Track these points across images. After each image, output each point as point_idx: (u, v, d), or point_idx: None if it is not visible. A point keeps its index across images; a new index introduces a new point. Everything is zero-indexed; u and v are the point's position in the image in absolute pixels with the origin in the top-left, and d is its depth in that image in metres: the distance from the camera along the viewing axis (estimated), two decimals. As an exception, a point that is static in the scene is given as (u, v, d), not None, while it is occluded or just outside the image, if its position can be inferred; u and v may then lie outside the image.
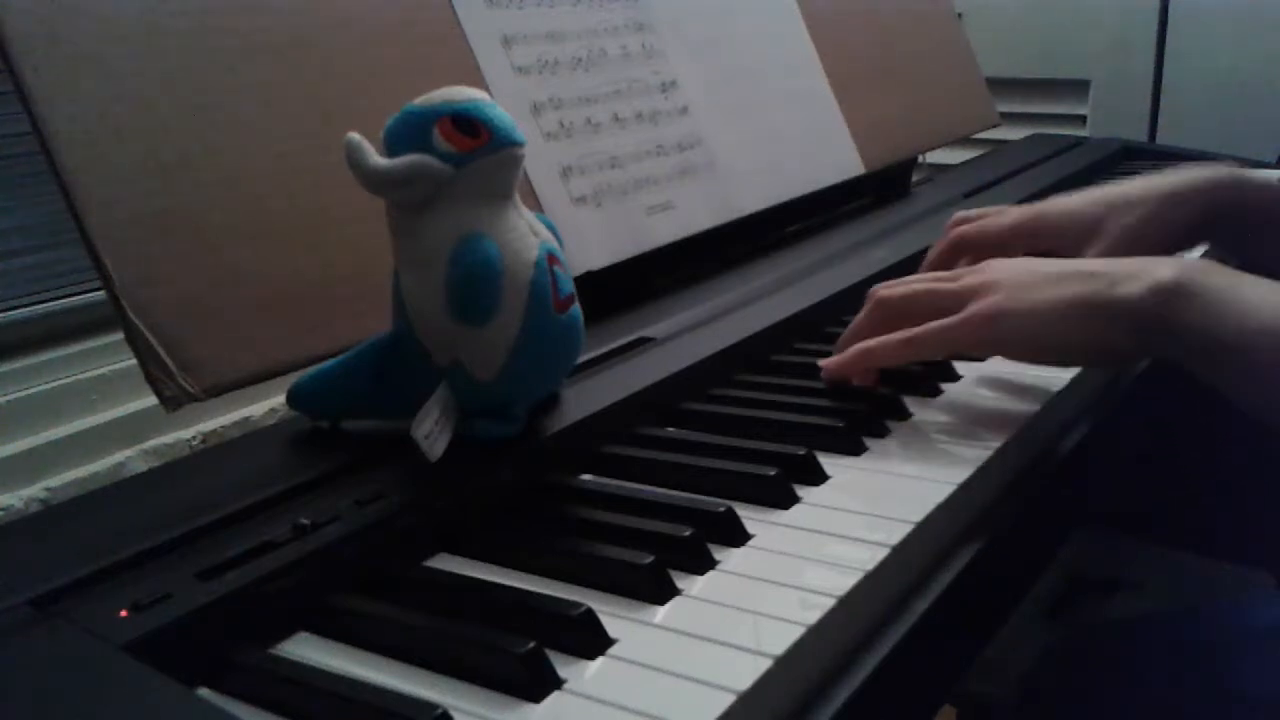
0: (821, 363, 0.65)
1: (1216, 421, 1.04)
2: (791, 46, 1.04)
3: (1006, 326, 0.60)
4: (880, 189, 1.12)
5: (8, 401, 1.18)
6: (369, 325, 0.58)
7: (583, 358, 0.61)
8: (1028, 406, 0.62)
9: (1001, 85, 1.40)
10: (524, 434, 0.55)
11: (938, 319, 0.61)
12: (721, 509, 0.49)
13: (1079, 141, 1.41)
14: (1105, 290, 0.58)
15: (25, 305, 1.20)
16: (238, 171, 0.60)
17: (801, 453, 0.55)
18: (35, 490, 1.16)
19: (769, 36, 1.02)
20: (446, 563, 0.48)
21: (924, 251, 0.91)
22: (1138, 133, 1.64)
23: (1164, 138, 1.63)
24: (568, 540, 0.49)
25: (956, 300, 0.62)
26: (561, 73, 0.80)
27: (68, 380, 1.23)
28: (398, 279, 0.54)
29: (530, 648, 0.39)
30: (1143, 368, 0.75)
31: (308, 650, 0.43)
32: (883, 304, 0.65)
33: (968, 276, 0.63)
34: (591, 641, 0.41)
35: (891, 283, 0.66)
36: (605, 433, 0.58)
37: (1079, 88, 1.73)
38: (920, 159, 1.28)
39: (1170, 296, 0.57)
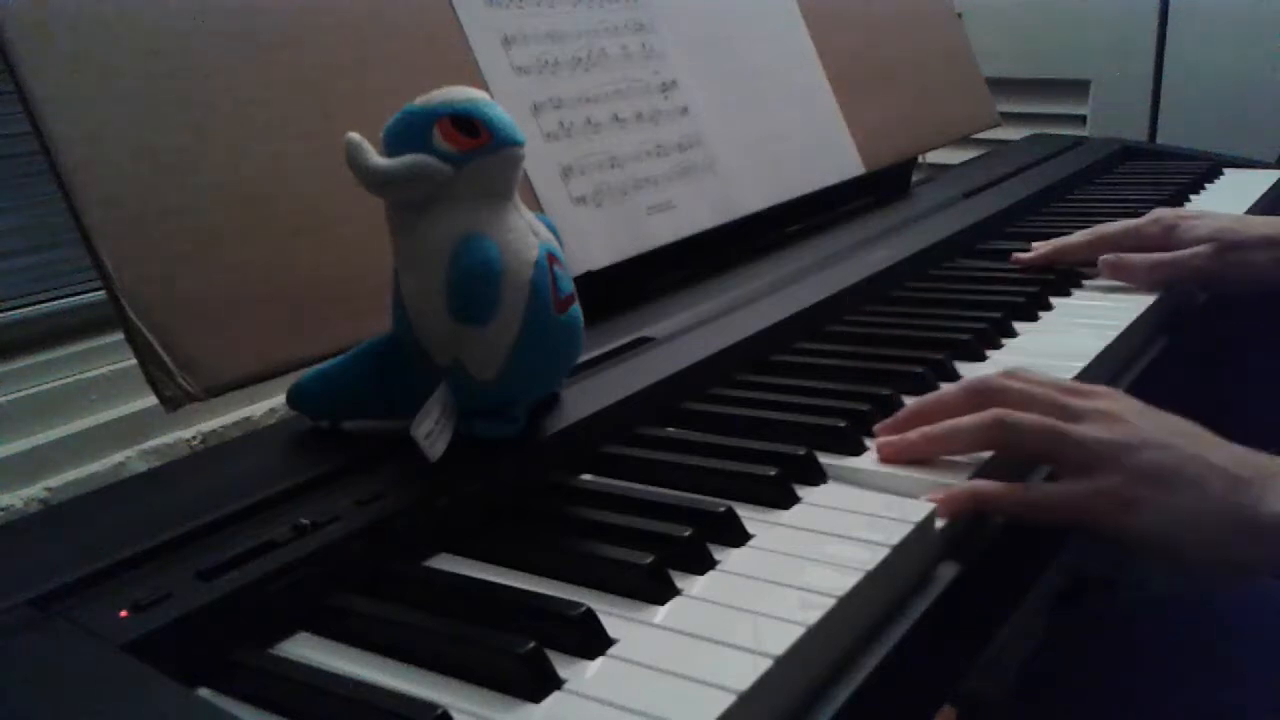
0: (884, 442, 0.57)
1: (1217, 421, 1.04)
2: (791, 46, 1.04)
3: (1138, 524, 0.53)
4: (880, 189, 1.12)
5: (8, 401, 1.18)
6: (369, 325, 0.58)
7: (583, 358, 0.61)
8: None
9: (1001, 85, 1.40)
10: (524, 434, 0.55)
11: (1040, 441, 0.55)
12: (721, 509, 0.49)
13: (1079, 141, 1.41)
14: (1253, 505, 0.52)
15: (25, 305, 1.21)
16: (238, 171, 0.60)
17: (801, 453, 0.55)
18: (35, 490, 1.17)
19: (769, 36, 1.02)
20: (446, 563, 0.48)
21: (925, 251, 0.91)
22: (1138, 133, 1.64)
23: (1164, 138, 1.63)
24: (568, 540, 0.49)
25: (1083, 460, 0.54)
26: (561, 73, 0.80)
27: (68, 380, 1.23)
28: (398, 279, 0.54)
29: (530, 648, 0.39)
30: (1142, 367, 0.75)
31: (308, 650, 0.43)
32: (986, 396, 0.57)
33: (1090, 424, 0.55)
34: (591, 641, 0.41)
35: (1007, 379, 0.59)
36: (605, 433, 0.58)
37: (1079, 88, 1.73)
38: (920, 159, 1.28)
39: None
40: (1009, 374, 0.59)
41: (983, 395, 0.58)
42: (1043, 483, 0.57)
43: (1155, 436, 0.55)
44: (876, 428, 0.59)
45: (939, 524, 0.51)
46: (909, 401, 0.63)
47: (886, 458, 0.56)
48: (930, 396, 0.60)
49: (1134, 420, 0.56)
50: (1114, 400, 0.58)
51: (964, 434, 0.56)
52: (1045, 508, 0.54)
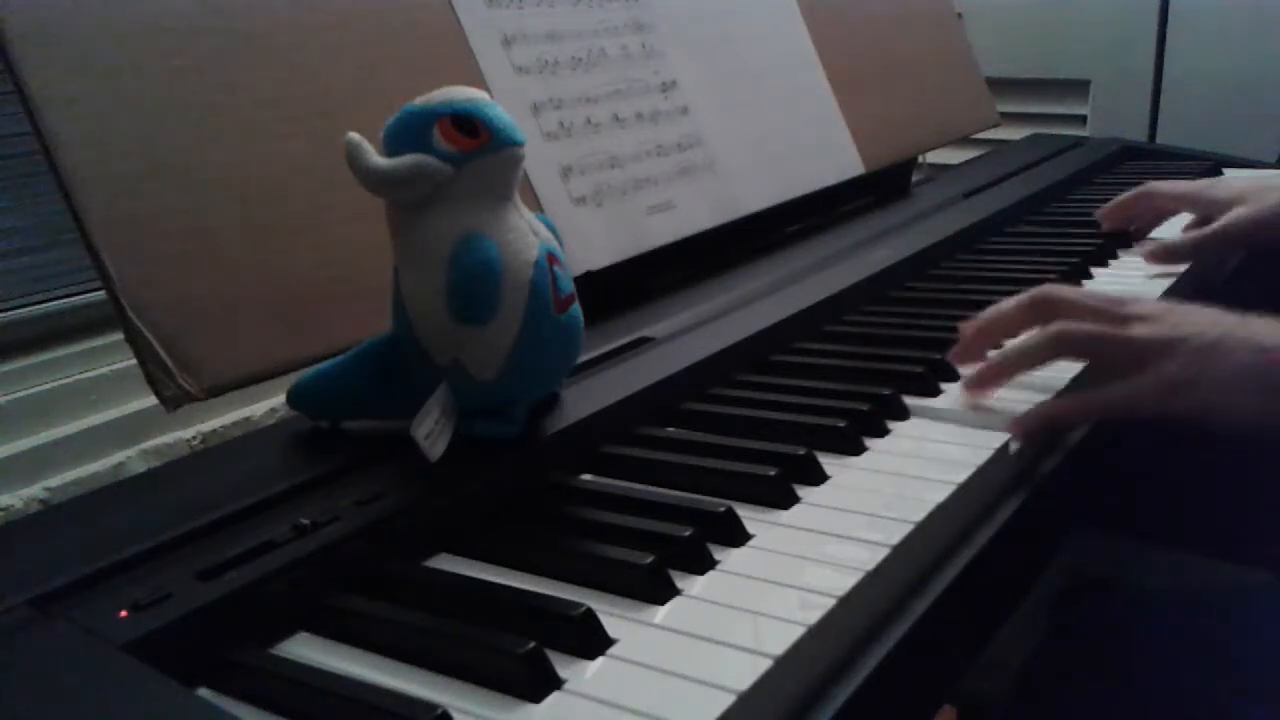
0: (958, 356, 0.66)
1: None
2: (791, 46, 1.04)
3: (1188, 399, 0.59)
4: (880, 189, 1.12)
5: (8, 401, 1.18)
6: (369, 325, 0.58)
7: (583, 358, 0.61)
8: (1029, 406, 0.62)
9: (1001, 85, 1.40)
10: (524, 434, 0.55)
11: (1099, 346, 0.62)
12: (721, 509, 0.49)
13: (1079, 141, 1.41)
14: None
15: (25, 305, 1.20)
16: (238, 171, 0.60)
17: (801, 453, 0.55)
18: (35, 490, 1.16)
19: (769, 36, 1.02)
20: (446, 563, 0.48)
21: (925, 251, 0.91)
22: (1138, 133, 1.64)
23: (1164, 138, 1.63)
24: (568, 540, 0.49)
25: (1138, 355, 0.61)
26: (561, 73, 0.80)
27: (68, 380, 1.23)
28: (398, 279, 0.54)
29: (530, 648, 0.39)
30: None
31: (308, 650, 0.43)
32: (1047, 307, 0.64)
33: (1139, 326, 0.62)
34: (591, 641, 0.41)
35: (1064, 289, 0.66)
36: (605, 433, 0.58)
37: (1079, 88, 1.73)
38: (920, 159, 1.28)
39: None
40: (1057, 286, 0.66)
41: (1040, 306, 0.65)
42: (1104, 386, 0.62)
43: (1195, 325, 0.62)
44: (950, 356, 0.66)
45: (1013, 448, 0.58)
46: (909, 401, 0.63)
47: (973, 394, 0.63)
48: (989, 311, 0.66)
49: (1174, 316, 0.63)
50: (1153, 304, 0.65)
51: (1032, 354, 0.63)
52: (1113, 405, 0.61)
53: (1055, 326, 0.63)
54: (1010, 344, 0.64)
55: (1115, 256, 0.94)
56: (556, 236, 0.55)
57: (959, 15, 1.34)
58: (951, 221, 1.00)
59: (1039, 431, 0.60)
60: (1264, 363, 0.59)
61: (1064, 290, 0.66)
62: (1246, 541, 1.05)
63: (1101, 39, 1.69)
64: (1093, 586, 0.99)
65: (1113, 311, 0.64)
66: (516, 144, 0.53)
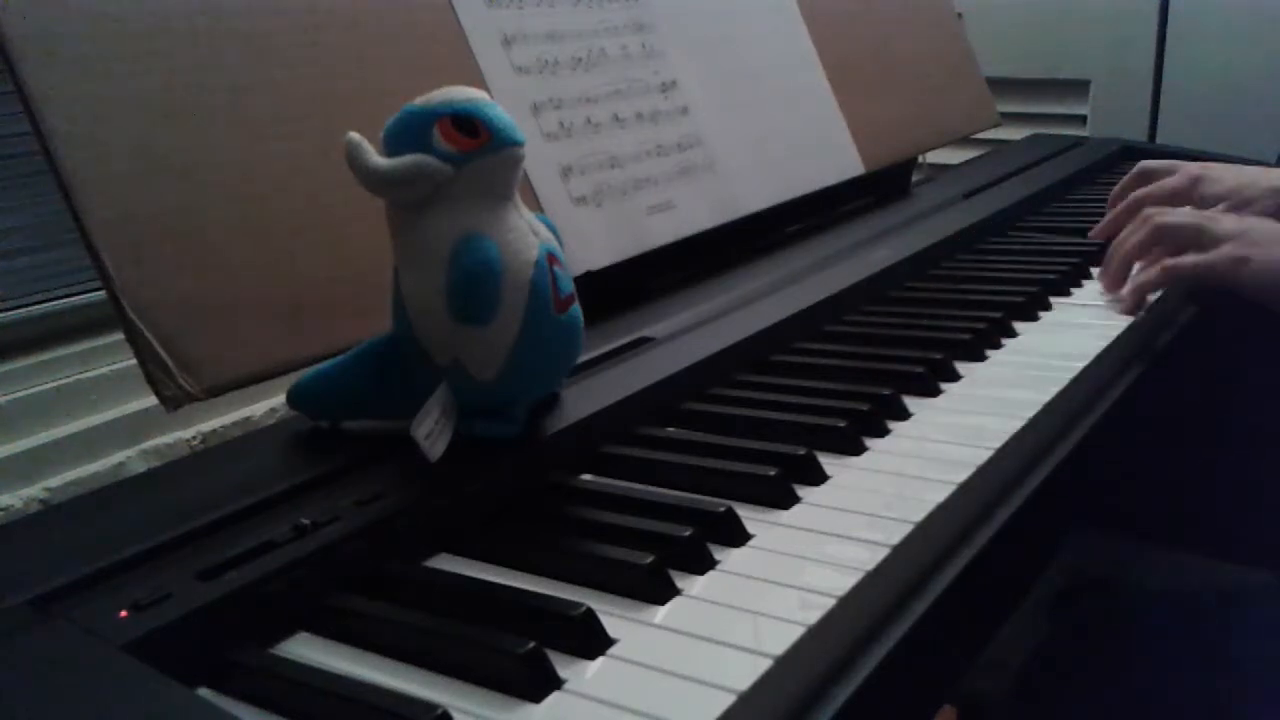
0: (1104, 282, 0.83)
1: (1217, 421, 1.04)
2: (791, 46, 1.04)
3: (1248, 272, 0.76)
4: (880, 189, 1.12)
5: (8, 401, 1.18)
6: (369, 325, 0.58)
7: (583, 358, 0.61)
8: (1027, 406, 0.62)
9: (1001, 85, 1.40)
10: (524, 434, 0.55)
11: (1194, 251, 0.78)
12: (721, 509, 0.49)
13: (1079, 141, 1.41)
14: None
15: (25, 305, 1.21)
16: (238, 171, 0.60)
17: (801, 453, 0.55)
18: (35, 490, 1.17)
19: (769, 36, 1.02)
20: (446, 563, 0.48)
21: (925, 251, 0.91)
22: (1138, 133, 1.64)
23: (1164, 138, 1.63)
24: (568, 540, 0.49)
25: (1215, 240, 0.78)
26: (561, 73, 0.80)
27: (68, 380, 1.23)
28: (398, 279, 0.54)
29: (530, 648, 0.39)
30: (1143, 367, 0.75)
31: (308, 650, 0.43)
32: (1159, 230, 0.81)
33: (1227, 222, 0.80)
34: (591, 641, 0.41)
35: (1164, 211, 0.83)
36: (605, 433, 0.58)
37: (1079, 88, 1.73)
38: (920, 159, 1.28)
39: None
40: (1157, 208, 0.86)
41: (1155, 226, 0.81)
42: (1190, 255, 0.79)
43: (1266, 223, 0.80)
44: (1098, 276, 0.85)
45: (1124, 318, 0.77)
46: (909, 401, 0.63)
47: (1125, 302, 0.79)
48: (1121, 241, 0.84)
49: (1248, 221, 0.80)
50: (1247, 221, 0.81)
51: (1133, 254, 0.82)
52: (1180, 274, 0.78)
53: (1153, 217, 0.81)
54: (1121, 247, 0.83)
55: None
56: (556, 236, 0.55)
57: (959, 15, 1.34)
58: (951, 221, 1.00)
59: (1138, 296, 0.79)
60: None
61: (1166, 211, 0.83)
62: (1246, 541, 1.05)
63: (1101, 39, 1.69)
64: (1093, 586, 0.99)
65: (1198, 212, 0.83)
66: (516, 144, 0.53)
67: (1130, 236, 0.83)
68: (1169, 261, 0.78)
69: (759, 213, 0.92)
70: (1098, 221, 0.97)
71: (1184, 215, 0.83)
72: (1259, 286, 0.76)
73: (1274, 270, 0.76)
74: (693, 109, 0.89)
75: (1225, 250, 0.77)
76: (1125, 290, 0.80)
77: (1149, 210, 0.84)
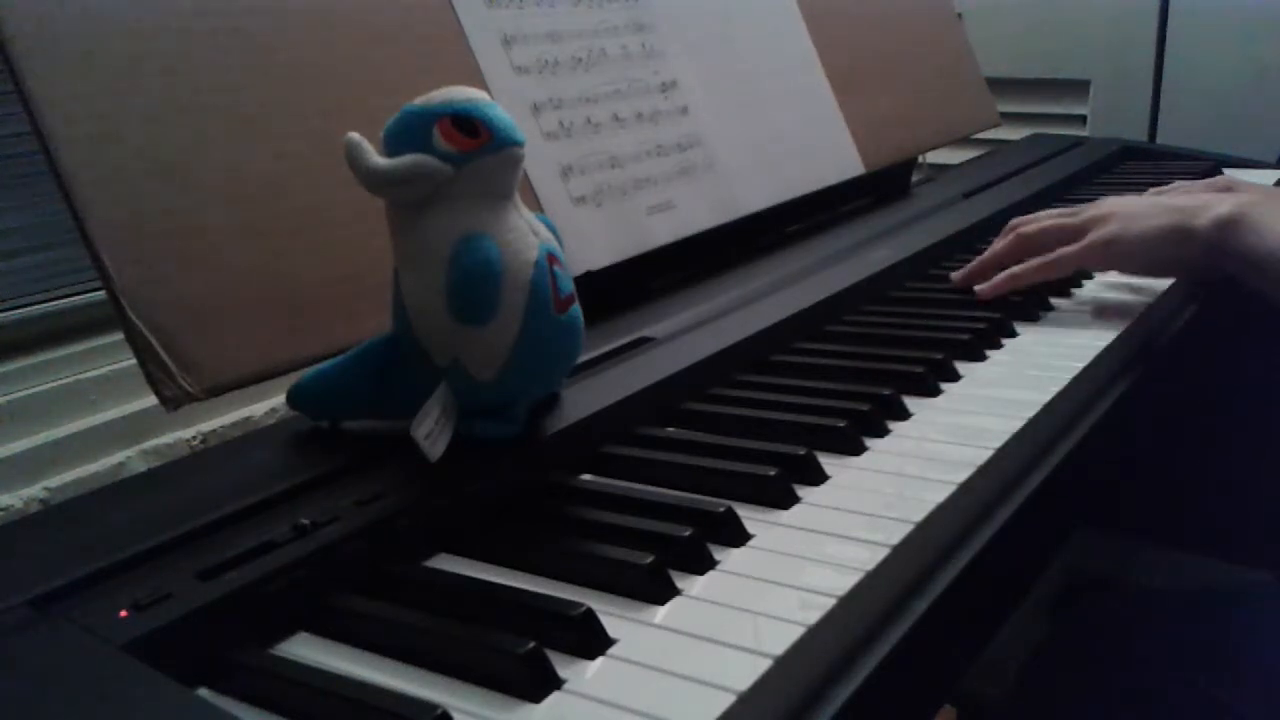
0: (962, 282, 0.82)
1: (1217, 421, 1.04)
2: (791, 46, 1.04)
3: (1118, 250, 0.79)
4: (880, 189, 1.12)
5: (8, 401, 1.18)
6: (369, 325, 0.58)
7: (583, 358, 0.61)
8: (1027, 406, 0.62)
9: (1001, 85, 1.40)
10: (524, 434, 0.55)
11: (1065, 247, 0.79)
12: (721, 509, 0.49)
13: (1079, 141, 1.41)
14: (1186, 222, 0.77)
15: (25, 305, 1.21)
16: (238, 171, 0.60)
17: (801, 453, 0.55)
18: (35, 490, 1.17)
19: (769, 36, 1.02)
20: (446, 563, 0.48)
21: (925, 251, 0.91)
22: (1138, 133, 1.64)
23: (1164, 138, 1.63)
24: (568, 540, 0.49)
25: (1079, 231, 0.80)
26: (561, 73, 0.80)
27: (68, 380, 1.23)
28: (398, 279, 0.54)
29: (530, 648, 0.39)
30: (1142, 367, 0.75)
31: (308, 650, 0.43)
32: (1022, 238, 0.82)
33: (1088, 210, 0.81)
34: (591, 641, 0.41)
35: (1027, 219, 0.84)
36: (605, 433, 0.58)
37: (1079, 88, 1.73)
38: (920, 159, 1.28)
39: (1228, 225, 0.75)
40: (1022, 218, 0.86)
41: (1017, 235, 0.83)
42: (1053, 252, 0.80)
43: (1126, 201, 0.82)
44: (956, 277, 0.84)
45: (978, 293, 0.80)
46: (909, 401, 0.63)
47: (980, 297, 0.80)
48: (988, 253, 0.84)
49: (1109, 204, 0.81)
50: (1107, 203, 0.82)
51: (1005, 260, 0.82)
52: (1055, 266, 0.79)
53: (1015, 226, 0.83)
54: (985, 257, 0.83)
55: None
56: (556, 236, 0.55)
57: (959, 15, 1.34)
58: (951, 221, 1.00)
59: (1004, 288, 0.79)
60: (1175, 219, 0.78)
61: (1029, 218, 0.84)
62: (1246, 541, 1.05)
63: (1101, 39, 1.69)
64: (1093, 586, 0.99)
65: (1066, 212, 0.84)
66: (516, 144, 0.53)
67: (996, 246, 0.83)
68: (1044, 259, 0.79)
69: (759, 213, 0.92)
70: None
71: (1044, 218, 0.83)
72: (1127, 261, 0.79)
73: (1145, 240, 0.77)
74: (693, 109, 0.89)
75: (1094, 236, 0.78)
76: (996, 278, 0.80)
77: (1013, 222, 0.84)
